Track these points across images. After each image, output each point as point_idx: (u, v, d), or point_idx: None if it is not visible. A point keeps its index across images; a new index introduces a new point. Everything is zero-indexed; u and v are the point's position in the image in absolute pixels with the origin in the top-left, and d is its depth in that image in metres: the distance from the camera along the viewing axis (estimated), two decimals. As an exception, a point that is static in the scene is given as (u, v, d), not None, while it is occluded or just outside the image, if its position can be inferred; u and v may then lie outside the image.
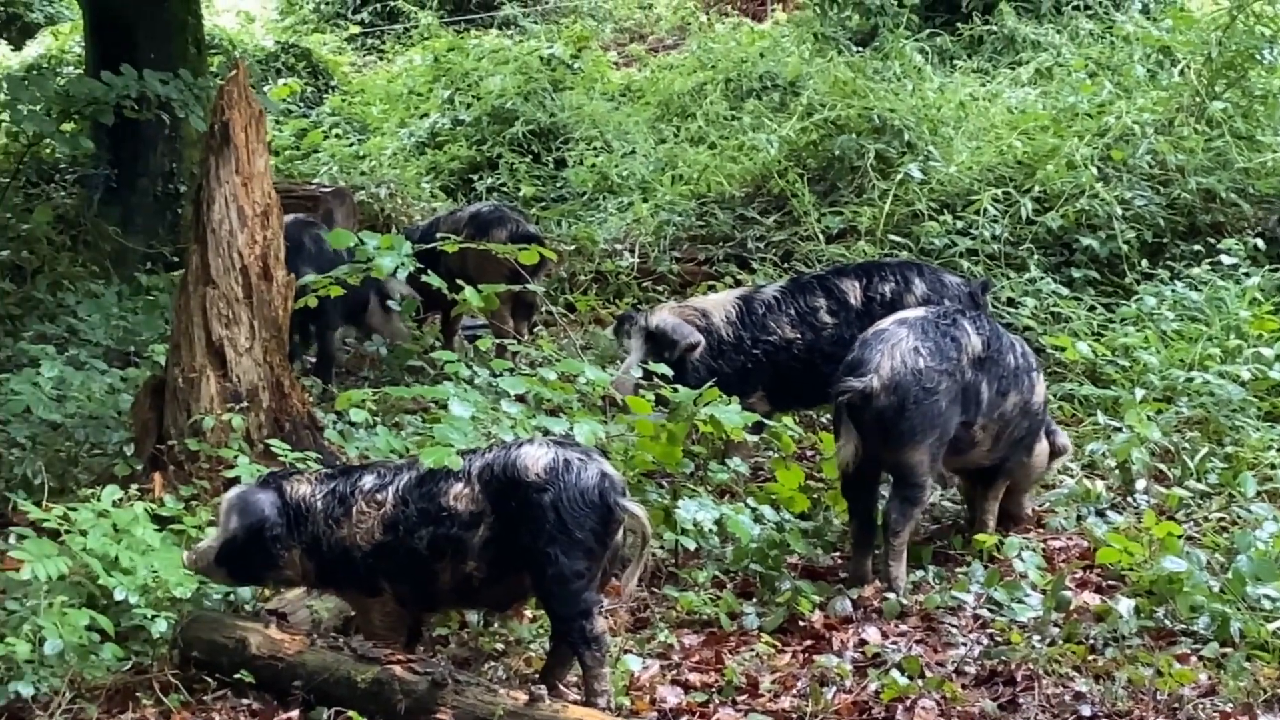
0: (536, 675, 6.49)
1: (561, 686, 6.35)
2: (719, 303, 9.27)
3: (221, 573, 6.57)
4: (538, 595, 6.37)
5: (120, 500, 7.00)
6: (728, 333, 9.08)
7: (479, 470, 6.31)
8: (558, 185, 16.11)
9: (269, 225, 8.08)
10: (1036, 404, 7.78)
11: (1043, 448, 8.02)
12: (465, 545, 6.27)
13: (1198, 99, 12.41)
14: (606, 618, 7.15)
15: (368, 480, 6.50)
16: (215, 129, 8.07)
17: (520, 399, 8.33)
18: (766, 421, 8.58)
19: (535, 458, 6.23)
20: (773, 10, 23.87)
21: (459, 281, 8.84)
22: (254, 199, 8.03)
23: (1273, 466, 8.39)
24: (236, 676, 6.30)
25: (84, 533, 6.60)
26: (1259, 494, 8.05)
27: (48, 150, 13.65)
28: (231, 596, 6.92)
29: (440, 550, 6.29)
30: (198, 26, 13.90)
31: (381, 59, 23.82)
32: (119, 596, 6.43)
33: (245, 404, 7.90)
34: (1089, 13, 17.56)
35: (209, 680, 6.36)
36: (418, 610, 6.58)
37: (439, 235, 10.47)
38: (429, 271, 8.80)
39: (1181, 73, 12.98)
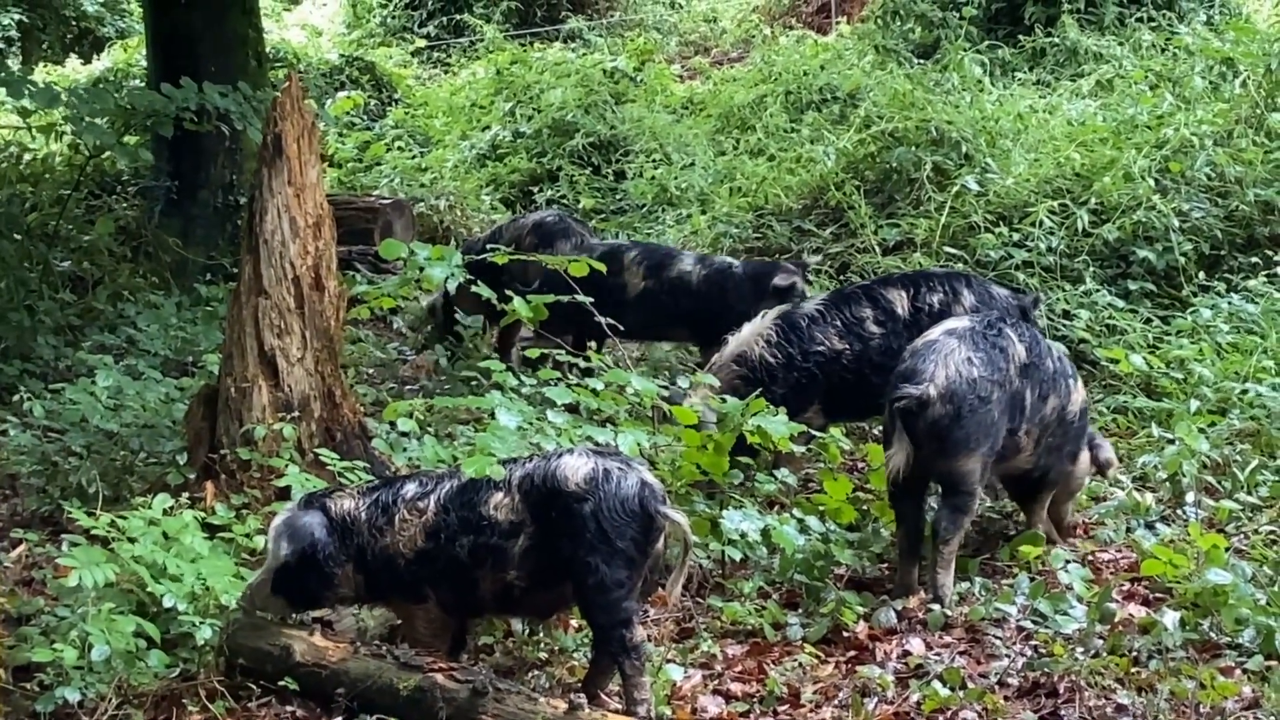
0: (579, 684, 6.51)
1: (603, 695, 6.36)
2: (751, 334, 9.25)
3: (280, 602, 6.60)
4: (578, 604, 6.39)
5: (171, 508, 7.07)
6: (773, 356, 9.10)
7: (519, 480, 6.35)
8: (617, 197, 16.19)
9: (321, 236, 8.14)
10: (1073, 410, 7.76)
11: (1085, 458, 8.00)
12: (506, 554, 6.31)
13: (1257, 110, 12.33)
14: (652, 627, 7.22)
15: (410, 489, 6.56)
16: (268, 140, 8.14)
17: (572, 409, 8.35)
18: (815, 433, 8.59)
19: (575, 468, 6.26)
20: (837, 23, 23.87)
21: (508, 292, 8.84)
22: (306, 210, 8.09)
23: (1325, 480, 8.34)
24: (281, 683, 6.34)
25: (133, 540, 6.68)
26: (1309, 507, 8.00)
27: (109, 162, 13.77)
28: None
29: (481, 559, 6.34)
30: (259, 40, 14.03)
31: (446, 72, 23.96)
32: (167, 604, 6.51)
33: (297, 413, 7.96)
34: (1152, 24, 17.49)
35: (254, 687, 6.39)
36: (462, 617, 6.62)
37: (500, 244, 10.58)
38: (479, 282, 8.84)
39: (1243, 84, 12.88)
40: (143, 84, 14.15)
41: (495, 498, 6.36)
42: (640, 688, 6.21)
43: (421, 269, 8.36)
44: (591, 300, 9.07)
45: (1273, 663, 6.39)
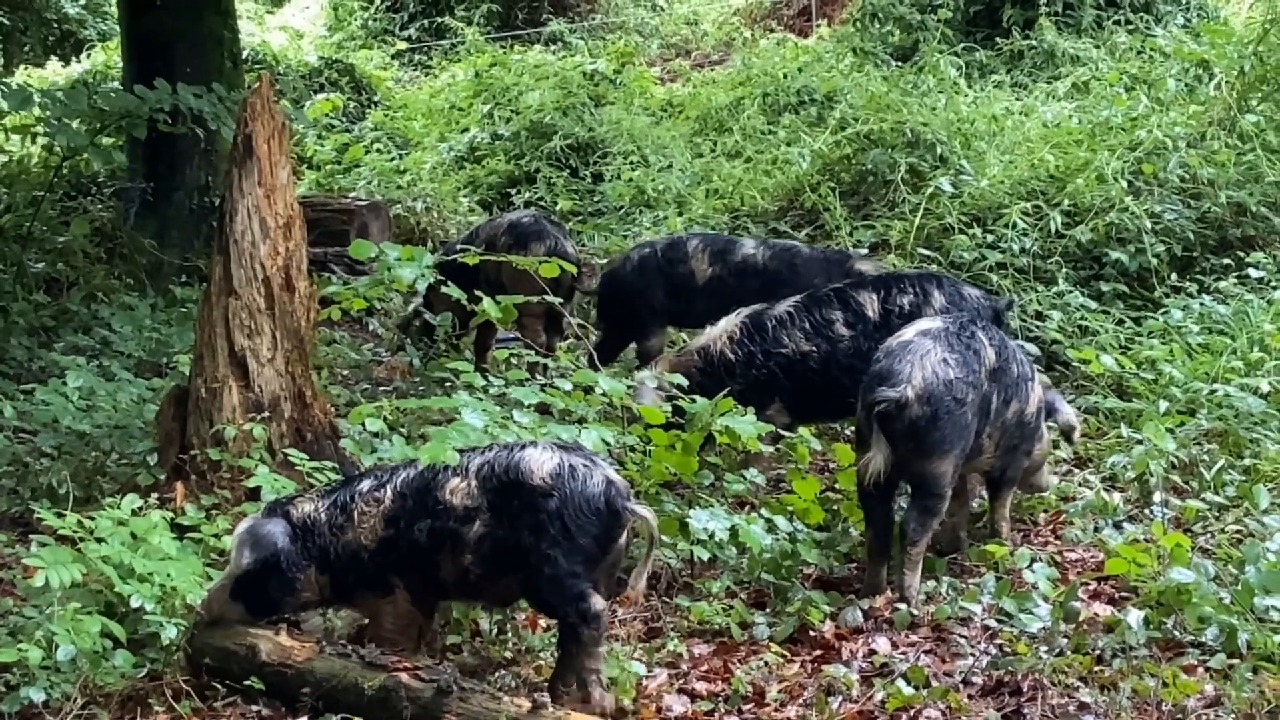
0: (545, 684, 6.51)
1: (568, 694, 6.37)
2: (719, 331, 9.35)
3: (238, 609, 6.59)
4: (527, 591, 6.43)
5: (139, 509, 7.07)
6: (733, 354, 9.15)
7: (477, 467, 6.38)
8: (595, 199, 16.20)
9: (291, 236, 8.14)
10: (1031, 412, 7.80)
11: (1043, 446, 8.12)
12: (461, 539, 6.34)
13: (1230, 113, 12.37)
14: (619, 627, 7.24)
15: (366, 483, 6.62)
16: (238, 141, 8.14)
17: (544, 410, 8.38)
18: (784, 433, 8.62)
19: (540, 462, 6.29)
20: (818, 25, 23.90)
21: (477, 293, 8.85)
22: (276, 210, 8.09)
23: (1291, 479, 8.37)
24: (247, 683, 6.35)
25: (101, 540, 6.68)
26: (1276, 506, 7.99)
27: (84, 163, 13.77)
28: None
29: (439, 542, 6.37)
30: (234, 41, 14.02)
31: (427, 74, 23.97)
32: (134, 604, 6.50)
33: (267, 414, 7.96)
34: (1129, 27, 17.55)
35: (219, 687, 6.40)
36: (428, 607, 6.63)
37: (476, 245, 10.63)
38: (449, 283, 8.86)
39: (1217, 87, 12.92)
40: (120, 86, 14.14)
41: (452, 483, 6.40)
42: (595, 657, 6.27)
43: (391, 269, 8.36)
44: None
45: (1235, 661, 6.41)
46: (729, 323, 9.34)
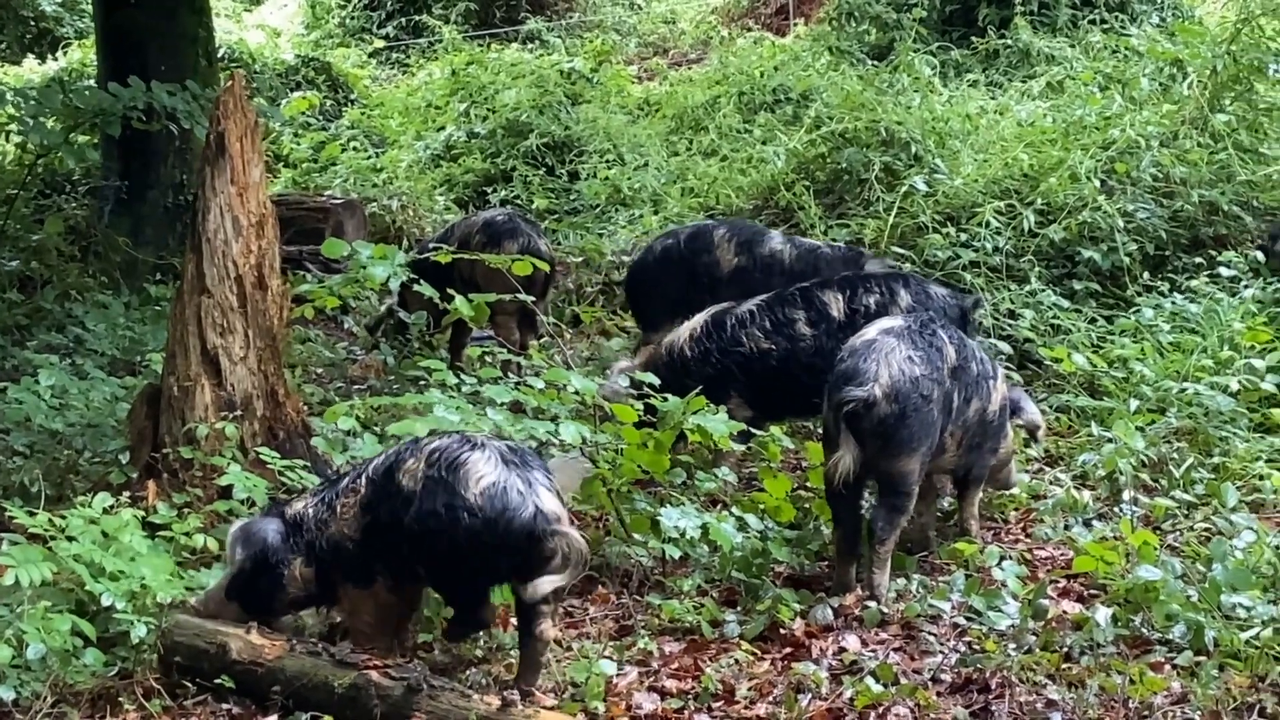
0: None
1: (537, 692, 6.39)
2: (686, 327, 9.42)
3: (234, 608, 6.68)
4: (435, 584, 6.56)
5: (111, 507, 7.07)
6: (691, 350, 9.22)
7: (429, 451, 6.42)
8: (571, 198, 16.20)
9: (264, 235, 8.15)
10: (993, 410, 7.82)
11: (1008, 444, 8.14)
12: (402, 522, 6.38)
13: (1202, 112, 12.41)
14: (590, 625, 7.27)
15: (347, 478, 6.67)
16: (211, 139, 8.15)
17: (519, 409, 8.39)
18: (755, 431, 8.65)
19: (478, 475, 6.28)
20: (795, 24, 23.92)
21: (450, 291, 8.86)
22: (249, 209, 8.10)
23: (1260, 477, 8.41)
24: (217, 681, 6.38)
25: (72, 539, 6.69)
26: (1244, 504, 8.05)
27: (58, 161, 13.74)
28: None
29: (396, 521, 6.40)
30: (209, 39, 14.00)
31: (405, 73, 23.96)
32: (105, 602, 6.51)
33: (239, 412, 7.96)
34: (1104, 26, 17.59)
35: (190, 685, 6.43)
36: (407, 595, 6.66)
37: (451, 243, 10.65)
38: (421, 281, 8.87)
39: (1190, 86, 12.96)
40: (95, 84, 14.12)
41: (407, 464, 6.43)
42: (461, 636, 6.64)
43: (363, 268, 8.37)
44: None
45: (1202, 658, 6.44)
46: (697, 320, 9.38)
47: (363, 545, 6.50)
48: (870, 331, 7.61)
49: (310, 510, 6.67)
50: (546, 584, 6.28)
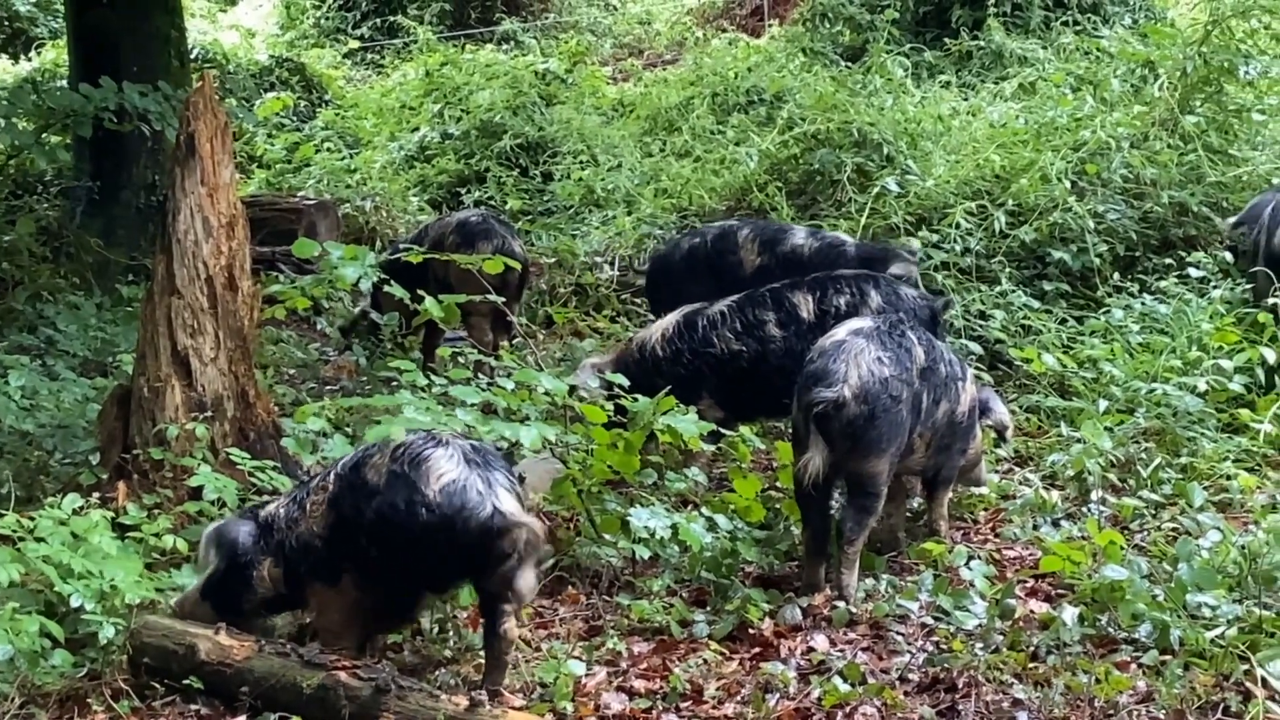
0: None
1: (505, 692, 6.40)
2: (659, 326, 9.48)
3: (207, 608, 6.70)
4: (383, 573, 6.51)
5: (81, 508, 7.07)
6: (662, 350, 9.25)
7: (395, 446, 6.45)
8: (544, 199, 16.21)
9: (234, 236, 8.16)
10: (962, 412, 7.85)
11: (976, 444, 8.18)
12: (363, 514, 6.40)
13: (1172, 113, 12.46)
14: (559, 625, 7.29)
15: (318, 477, 6.70)
16: (181, 140, 8.15)
17: (491, 410, 8.40)
18: (725, 432, 8.67)
19: (439, 472, 6.30)
20: (770, 25, 23.94)
21: (421, 292, 8.86)
22: (219, 210, 8.10)
23: (1227, 477, 8.44)
24: (185, 682, 6.38)
25: (41, 540, 6.68)
26: (1210, 504, 8.08)
27: (30, 162, 13.71)
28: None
29: (360, 516, 6.42)
30: (181, 39, 13.98)
31: (379, 74, 23.94)
32: (74, 603, 6.51)
33: (210, 413, 7.97)
34: (1076, 28, 17.64)
35: (158, 686, 6.44)
36: (375, 594, 6.65)
37: (425, 244, 10.66)
38: (392, 282, 8.87)
39: (1160, 88, 13.01)
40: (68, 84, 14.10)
41: (374, 458, 6.46)
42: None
43: (334, 268, 8.38)
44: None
45: (1167, 657, 6.47)
46: (669, 319, 9.40)
47: (329, 542, 6.51)
48: (839, 332, 7.63)
49: (282, 511, 6.69)
50: (529, 576, 6.39)
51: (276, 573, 6.64)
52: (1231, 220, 11.07)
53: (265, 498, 7.18)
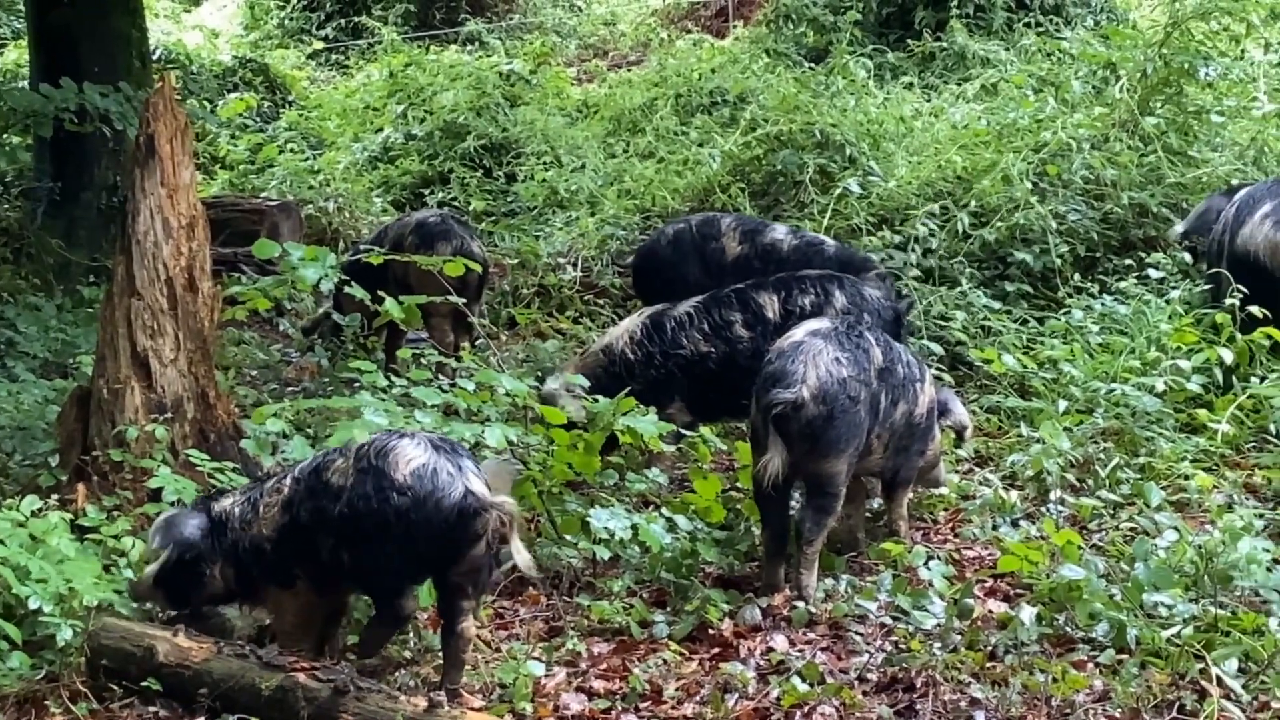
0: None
1: (465, 693, 6.41)
2: (622, 330, 9.46)
3: (160, 595, 6.74)
4: (357, 575, 6.50)
5: (39, 510, 7.05)
6: (633, 353, 9.22)
7: (358, 447, 6.46)
8: (508, 199, 16.19)
9: (194, 237, 8.13)
10: (920, 413, 7.86)
11: (935, 445, 8.20)
12: (328, 517, 6.41)
13: (1133, 115, 12.52)
14: (519, 626, 7.30)
15: (274, 479, 6.70)
16: (140, 141, 8.13)
17: (453, 412, 8.40)
18: (685, 432, 8.69)
19: (408, 458, 6.32)
20: (734, 27, 23.97)
21: (382, 293, 8.86)
22: (179, 211, 8.08)
23: (1184, 477, 8.49)
24: (144, 684, 6.37)
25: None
26: (1168, 504, 8.12)
27: (-11, 163, 13.68)
28: (149, 605, 6.94)
29: (319, 523, 6.43)
30: (142, 40, 13.92)
31: (344, 74, 23.90)
32: (32, 605, 6.48)
33: (170, 415, 7.94)
34: (1039, 30, 17.69)
35: (117, 688, 6.42)
36: (332, 596, 6.67)
37: (384, 244, 10.65)
38: (353, 283, 8.86)
39: (1121, 89, 13.06)
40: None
41: (336, 463, 6.46)
42: (381, 642, 6.62)
43: (294, 269, 8.37)
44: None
45: (1124, 656, 6.51)
46: (631, 322, 9.42)
47: (278, 545, 6.53)
48: (797, 333, 7.65)
49: (237, 510, 6.69)
50: (520, 553, 6.43)
51: (230, 573, 6.66)
52: (1178, 229, 11.10)
53: (219, 490, 7.14)
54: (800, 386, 7.31)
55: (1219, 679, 6.16)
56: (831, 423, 7.34)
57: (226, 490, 7.02)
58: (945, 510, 8.66)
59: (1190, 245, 10.93)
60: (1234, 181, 11.67)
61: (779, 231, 10.94)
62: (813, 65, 17.50)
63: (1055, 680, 6.27)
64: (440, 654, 6.73)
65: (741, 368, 8.92)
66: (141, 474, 7.69)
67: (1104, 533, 8.02)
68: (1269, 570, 7.00)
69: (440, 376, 9.27)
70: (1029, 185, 11.83)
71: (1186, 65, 12.73)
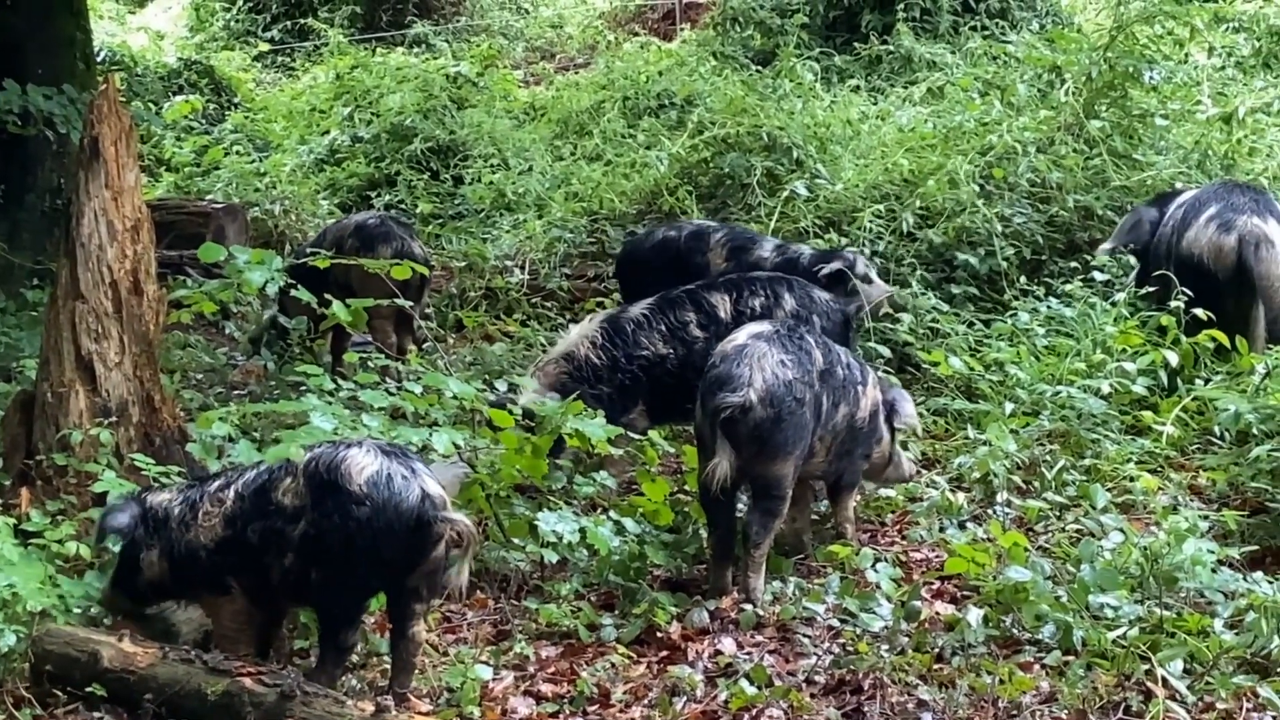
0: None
1: (412, 696, 6.39)
2: (578, 336, 9.40)
3: (120, 593, 6.74)
4: (316, 591, 6.44)
5: (-19, 515, 7.01)
6: (599, 358, 9.19)
7: (306, 464, 6.40)
8: (455, 202, 16.16)
9: (139, 240, 8.07)
10: (862, 416, 7.88)
11: (883, 447, 8.21)
12: (286, 539, 6.35)
13: (1078, 118, 12.58)
14: (466, 630, 7.29)
15: (216, 483, 6.66)
16: (84, 143, 8.08)
17: (400, 415, 8.38)
18: (632, 435, 8.68)
19: (360, 466, 6.29)
20: (681, 29, 23.99)
21: (328, 296, 8.82)
22: (124, 213, 8.02)
23: (1130, 479, 8.53)
24: (89, 690, 6.31)
25: (-58, 548, 6.62)
26: (1113, 506, 8.15)
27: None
28: (94, 610, 6.90)
29: (268, 543, 6.40)
30: (86, 42, 13.81)
31: (290, 76, 23.82)
32: (-26, 611, 6.45)
33: (115, 418, 7.88)
34: (985, 33, 17.77)
35: (61, 694, 6.37)
36: (269, 606, 6.63)
37: (324, 247, 10.60)
38: (299, 286, 8.82)
39: (1067, 92, 13.12)
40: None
41: (285, 483, 6.42)
42: (333, 679, 6.40)
43: (240, 273, 8.33)
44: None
45: (1070, 658, 6.54)
46: (587, 327, 9.38)
47: (214, 555, 6.50)
48: (739, 336, 7.67)
49: (175, 509, 6.65)
50: (464, 571, 6.37)
51: (164, 566, 6.62)
52: (1105, 246, 11.14)
53: (159, 484, 7.11)
54: (747, 390, 7.32)
55: (1164, 680, 6.21)
56: (779, 425, 7.36)
57: (165, 485, 6.99)
58: (892, 512, 8.69)
59: (1136, 248, 10.94)
60: (1177, 185, 11.74)
61: (766, 249, 10.90)
62: (760, 68, 17.55)
63: (1002, 682, 6.29)
64: (387, 658, 6.72)
65: (697, 369, 8.89)
66: (86, 478, 7.63)
67: (1050, 534, 8.05)
68: (1213, 571, 7.05)
69: (387, 380, 9.23)
70: (975, 188, 11.87)
71: (1131, 69, 12.80)
